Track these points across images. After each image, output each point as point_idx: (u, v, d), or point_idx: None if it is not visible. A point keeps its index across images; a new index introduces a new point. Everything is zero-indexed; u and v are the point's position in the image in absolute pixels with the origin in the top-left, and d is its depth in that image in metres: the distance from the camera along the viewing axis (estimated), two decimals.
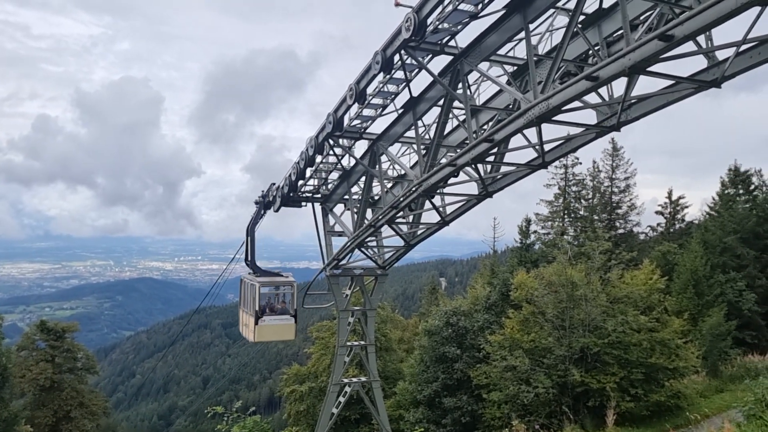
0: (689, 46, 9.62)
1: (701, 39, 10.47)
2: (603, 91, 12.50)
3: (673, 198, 48.36)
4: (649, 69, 9.50)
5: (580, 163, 41.37)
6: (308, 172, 18.40)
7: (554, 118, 11.68)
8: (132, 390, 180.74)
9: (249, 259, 19.06)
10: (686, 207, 48.17)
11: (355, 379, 19.91)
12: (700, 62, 11.05)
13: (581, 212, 41.37)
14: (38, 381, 38.02)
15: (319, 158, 17.74)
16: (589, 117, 13.26)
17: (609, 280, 27.89)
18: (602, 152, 43.65)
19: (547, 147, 13.88)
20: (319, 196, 20.11)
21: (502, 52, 13.41)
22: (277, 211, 20.12)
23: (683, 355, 25.94)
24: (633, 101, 12.00)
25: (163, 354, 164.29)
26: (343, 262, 19.83)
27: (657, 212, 49.58)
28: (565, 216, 41.07)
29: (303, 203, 20.24)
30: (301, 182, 18.83)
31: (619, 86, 12.08)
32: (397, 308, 60.81)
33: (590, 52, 12.38)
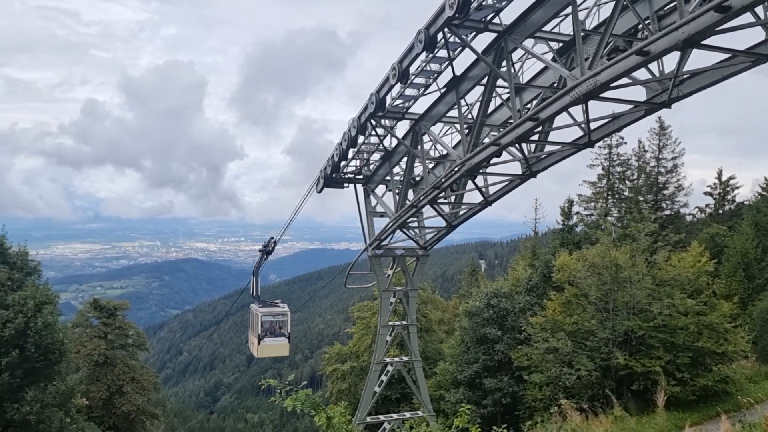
0: (746, 18, 9.25)
1: (759, 10, 10.04)
2: (653, 66, 12.14)
3: (723, 178, 46.79)
4: (703, 42, 9.18)
5: (625, 143, 40.38)
6: (350, 153, 18.50)
7: (602, 96, 11.43)
8: (180, 367, 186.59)
9: (254, 294, 22.72)
10: (737, 188, 46.56)
11: (396, 359, 20.11)
12: (757, 34, 10.62)
13: (626, 193, 40.43)
14: (92, 356, 39.45)
15: (361, 139, 17.81)
16: (638, 94, 12.92)
17: (655, 263, 27.28)
18: (648, 131, 42.44)
19: (593, 125, 13.60)
20: (361, 177, 20.21)
21: (547, 28, 13.14)
22: (320, 191, 20.34)
23: (732, 339, 25.26)
24: (685, 76, 11.64)
25: (210, 333, 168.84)
26: (385, 242, 19.94)
27: (706, 193, 48.08)
28: (609, 197, 40.22)
29: (345, 184, 20.38)
30: (343, 163, 18.95)
31: (670, 61, 11.72)
32: (436, 290, 60.89)
33: (640, 26, 12.02)
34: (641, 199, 40.28)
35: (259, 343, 20.51)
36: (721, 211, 45.84)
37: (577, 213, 39.80)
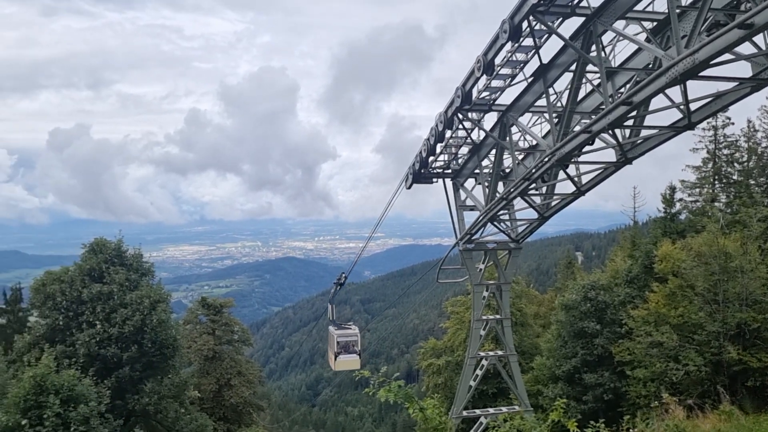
0: None
1: None
2: (758, 39, 11.31)
3: None
4: None
5: (732, 123, 37.61)
6: (438, 147, 18.54)
7: (701, 74, 10.81)
8: (282, 362, 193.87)
9: (331, 318, 26.46)
10: None
11: (491, 353, 19.95)
12: None
13: (734, 177, 37.71)
14: (202, 351, 41.91)
15: (448, 133, 17.81)
16: (743, 70, 12.10)
17: None
18: (759, 109, 39.30)
19: (693, 106, 12.88)
20: (449, 171, 20.20)
21: (639, 7, 12.58)
22: (409, 188, 20.52)
23: None
24: None
25: (310, 329, 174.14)
26: (476, 236, 19.83)
27: None
28: (716, 181, 37.69)
29: (434, 179, 20.45)
30: (431, 158, 19.03)
31: None
32: (531, 283, 59.63)
33: None
34: (752, 182, 37.45)
35: (335, 359, 24.03)
36: None
37: (681, 200, 37.64)
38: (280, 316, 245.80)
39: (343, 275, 27.48)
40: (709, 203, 35.99)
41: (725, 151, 37.56)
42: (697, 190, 37.55)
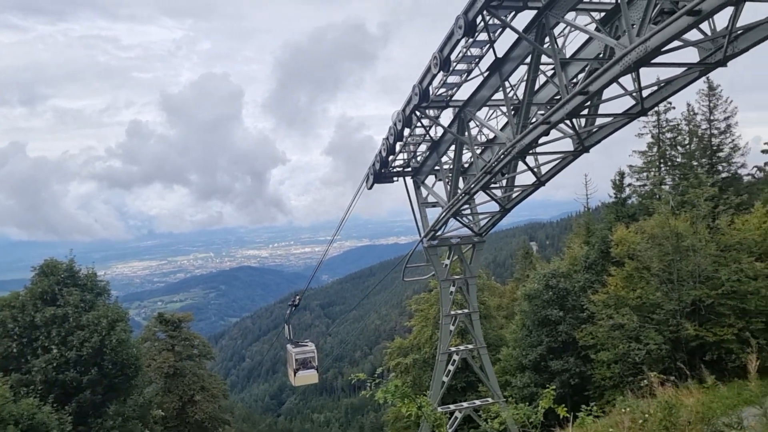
0: None
1: None
2: (704, 26, 11.73)
3: None
4: None
5: (674, 108, 39.00)
6: (398, 146, 18.54)
7: (653, 61, 11.13)
8: (243, 373, 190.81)
9: (289, 338, 27.93)
10: None
11: (462, 347, 20.08)
12: None
13: (678, 159, 39.10)
14: (162, 369, 40.83)
15: (407, 131, 17.82)
16: (691, 55, 12.51)
17: (718, 228, 26.44)
18: (697, 93, 40.87)
19: (645, 93, 13.25)
20: (409, 169, 20.23)
21: None
22: (370, 188, 20.46)
23: None
24: (740, 32, 11.22)
25: (271, 338, 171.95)
26: (439, 232, 19.92)
27: (763, 151, 46.12)
28: (662, 165, 39.00)
29: (395, 178, 20.45)
30: (392, 157, 19.02)
31: (722, 18, 11.31)
32: (490, 276, 60.47)
33: None
34: (695, 164, 38.91)
35: (295, 375, 25.78)
36: None
37: (630, 185, 38.78)
38: (239, 326, 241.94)
39: (297, 297, 29.11)
40: (657, 186, 37.21)
41: (668, 135, 38.89)
42: (645, 174, 38.76)
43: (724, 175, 39.90)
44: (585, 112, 14.30)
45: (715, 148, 40.27)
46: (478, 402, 20.12)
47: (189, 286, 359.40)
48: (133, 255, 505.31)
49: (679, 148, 39.28)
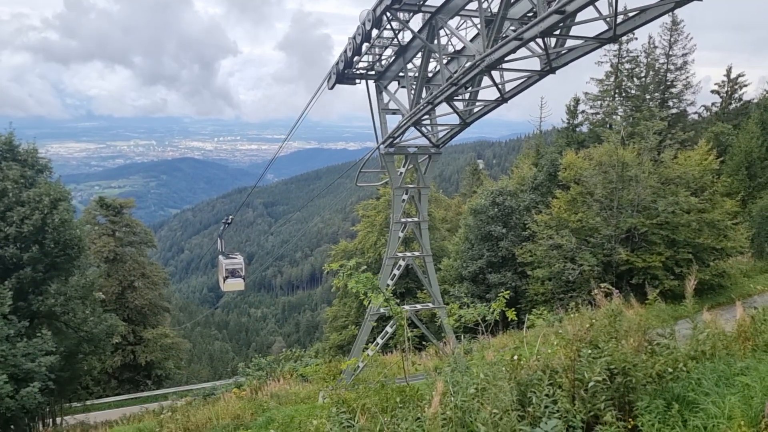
0: None
1: None
2: None
3: (732, 76, 46.07)
4: None
5: (636, 38, 39.46)
6: (364, 47, 17.97)
7: None
8: (182, 264, 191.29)
9: (221, 250, 31.53)
10: (745, 86, 46.07)
11: (408, 254, 20.62)
12: None
13: (633, 91, 39.79)
14: (103, 253, 40.46)
15: (375, 33, 17.24)
16: None
17: (662, 161, 27.50)
18: (660, 27, 41.21)
19: (619, 19, 13.20)
20: (373, 73, 19.75)
21: None
22: (331, 88, 19.92)
23: (731, 236, 26.01)
24: None
25: (212, 232, 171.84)
26: (398, 140, 19.85)
27: (713, 91, 47.53)
28: (616, 95, 39.64)
29: (357, 80, 19.95)
30: (357, 58, 18.47)
31: None
32: (438, 189, 61.46)
33: None
34: (648, 97, 39.76)
35: (224, 282, 29.57)
36: (727, 110, 45.54)
37: (583, 112, 39.42)
38: (179, 218, 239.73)
39: (231, 217, 32.49)
40: (609, 116, 37.95)
41: (627, 66, 39.29)
42: (599, 102, 39.36)
43: (674, 111, 41.05)
44: (558, 32, 14.17)
45: (669, 83, 41.12)
46: (419, 306, 20.98)
47: (128, 172, 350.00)
48: (70, 135, 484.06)
49: (635, 79, 39.87)
